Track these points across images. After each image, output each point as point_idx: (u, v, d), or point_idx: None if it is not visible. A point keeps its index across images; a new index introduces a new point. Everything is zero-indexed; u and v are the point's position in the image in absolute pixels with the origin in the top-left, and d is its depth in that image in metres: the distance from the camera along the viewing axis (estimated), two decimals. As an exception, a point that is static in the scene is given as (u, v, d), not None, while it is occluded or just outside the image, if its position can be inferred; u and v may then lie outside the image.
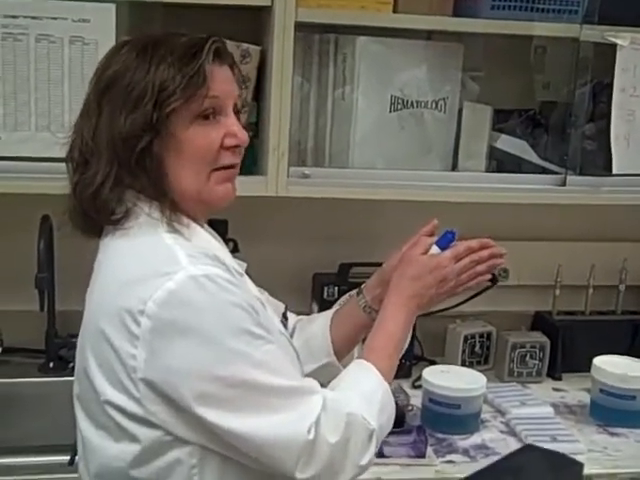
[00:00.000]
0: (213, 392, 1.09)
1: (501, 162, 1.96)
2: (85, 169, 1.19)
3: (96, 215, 1.20)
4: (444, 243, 1.36)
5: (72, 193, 1.22)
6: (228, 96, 1.21)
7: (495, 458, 1.65)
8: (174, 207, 1.18)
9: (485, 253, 1.35)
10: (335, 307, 1.49)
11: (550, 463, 1.29)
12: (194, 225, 1.21)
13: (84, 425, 1.23)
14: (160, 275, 1.10)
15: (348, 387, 1.21)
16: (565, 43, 1.88)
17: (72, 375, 1.71)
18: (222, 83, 1.19)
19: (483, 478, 1.22)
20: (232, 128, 1.20)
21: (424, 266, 1.33)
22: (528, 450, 1.32)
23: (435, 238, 1.38)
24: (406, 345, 1.35)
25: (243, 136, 1.21)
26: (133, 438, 1.14)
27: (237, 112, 1.23)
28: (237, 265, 1.24)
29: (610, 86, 1.87)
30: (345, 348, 1.42)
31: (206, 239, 1.22)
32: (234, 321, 1.11)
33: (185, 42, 1.19)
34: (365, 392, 1.21)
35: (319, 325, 1.42)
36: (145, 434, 1.14)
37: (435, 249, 1.36)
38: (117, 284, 1.14)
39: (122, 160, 1.16)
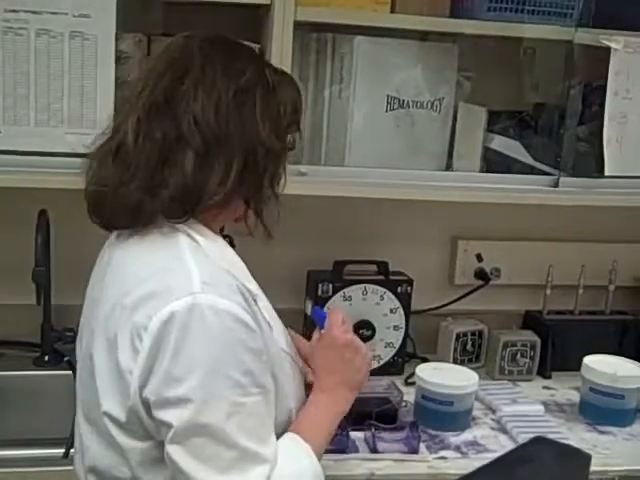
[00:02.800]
0: (181, 422, 1.09)
1: (493, 163, 1.98)
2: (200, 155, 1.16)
3: (183, 204, 1.16)
4: (321, 321, 1.41)
5: (151, 172, 1.16)
6: None
7: (486, 455, 1.67)
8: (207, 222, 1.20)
9: None
10: None
11: (559, 454, 1.32)
12: (215, 236, 1.22)
13: (85, 429, 1.24)
14: (170, 294, 1.11)
15: (280, 465, 1.16)
16: (555, 45, 1.90)
17: (67, 369, 1.73)
18: None
19: (494, 469, 1.24)
20: None
21: (319, 350, 1.37)
22: (538, 442, 1.34)
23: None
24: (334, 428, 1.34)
25: None
26: (123, 451, 1.16)
27: None
28: (253, 285, 1.23)
29: (600, 89, 1.89)
30: None
31: (226, 254, 1.22)
32: (222, 362, 1.10)
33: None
34: (296, 472, 1.19)
35: None
36: (135, 448, 1.15)
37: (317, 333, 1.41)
38: (133, 298, 1.14)
39: (249, 165, 1.18)
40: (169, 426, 1.10)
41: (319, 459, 1.23)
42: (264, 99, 1.19)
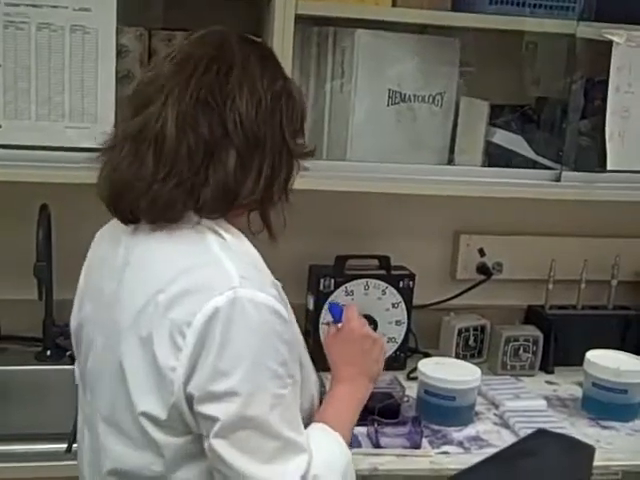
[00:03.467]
0: (229, 415, 1.09)
1: (495, 157, 1.97)
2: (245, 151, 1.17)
3: (217, 202, 1.16)
4: (337, 315, 1.43)
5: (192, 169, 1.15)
6: None
7: (489, 450, 1.67)
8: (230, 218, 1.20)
9: None
10: None
11: (563, 447, 1.31)
12: (238, 233, 1.21)
13: (104, 431, 1.22)
14: (211, 289, 1.10)
15: (315, 454, 1.17)
16: (557, 39, 1.89)
17: (69, 363, 1.72)
18: None
19: (497, 463, 1.23)
20: None
21: (338, 343, 1.39)
22: (541, 434, 1.33)
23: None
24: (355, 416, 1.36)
25: None
26: (159, 448, 1.15)
27: None
28: (271, 275, 1.23)
29: (602, 83, 1.89)
30: None
31: (249, 249, 1.22)
32: (264, 354, 1.11)
33: None
34: (328, 460, 1.19)
35: None
36: (171, 444, 1.14)
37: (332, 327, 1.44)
38: (168, 295, 1.12)
39: (275, 168, 1.19)
40: (214, 420, 1.09)
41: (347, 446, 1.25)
42: (288, 104, 1.21)
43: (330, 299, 1.94)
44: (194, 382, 1.10)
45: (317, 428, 1.24)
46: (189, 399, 1.11)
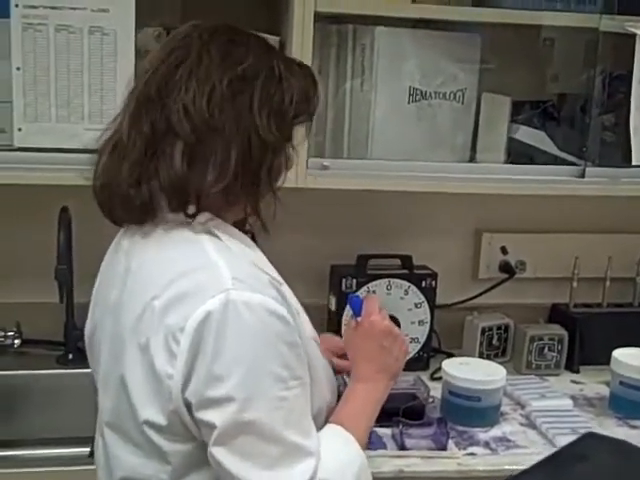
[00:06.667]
0: (225, 421, 1.07)
1: (517, 154, 1.95)
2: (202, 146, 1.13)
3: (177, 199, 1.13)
4: (357, 309, 1.38)
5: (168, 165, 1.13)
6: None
7: (516, 451, 1.65)
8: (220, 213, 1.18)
9: None
10: None
11: (613, 450, 1.28)
12: (235, 231, 1.19)
13: (112, 439, 1.22)
14: (203, 293, 1.09)
15: (325, 457, 1.15)
16: (577, 33, 1.87)
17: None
18: None
19: (548, 467, 1.21)
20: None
21: (357, 338, 1.36)
22: (589, 438, 1.31)
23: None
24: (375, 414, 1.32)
25: None
26: (166, 456, 1.14)
27: None
28: (276, 273, 1.21)
29: (623, 77, 1.86)
30: None
31: (247, 247, 1.20)
32: (262, 357, 1.09)
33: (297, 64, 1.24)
34: (339, 463, 1.17)
35: None
36: (177, 451, 1.13)
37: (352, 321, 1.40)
38: (163, 300, 1.11)
39: (245, 157, 1.13)
40: (212, 427, 1.08)
41: (362, 448, 1.22)
42: (265, 89, 1.15)
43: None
44: (191, 389, 1.08)
45: (330, 429, 1.21)
46: (188, 406, 1.10)
